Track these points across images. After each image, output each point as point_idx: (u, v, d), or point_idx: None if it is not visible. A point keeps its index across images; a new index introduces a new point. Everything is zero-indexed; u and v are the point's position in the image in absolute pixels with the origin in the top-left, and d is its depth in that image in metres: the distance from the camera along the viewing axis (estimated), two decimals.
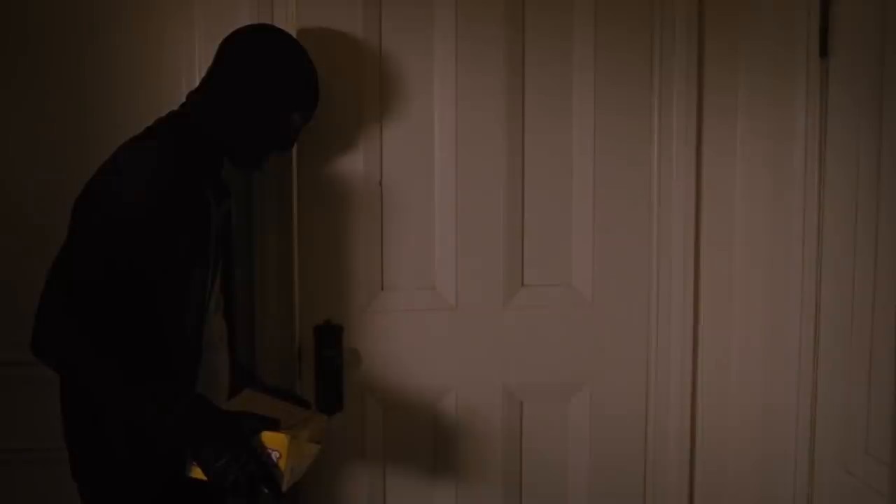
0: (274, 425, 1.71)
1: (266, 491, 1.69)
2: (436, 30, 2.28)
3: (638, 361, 2.45)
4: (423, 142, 2.30)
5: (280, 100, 1.89)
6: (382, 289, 2.32)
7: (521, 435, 2.43)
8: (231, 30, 1.96)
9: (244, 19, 2.16)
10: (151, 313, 1.76)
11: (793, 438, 2.19)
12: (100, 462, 1.82)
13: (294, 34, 2.15)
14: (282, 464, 1.69)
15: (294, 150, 2.21)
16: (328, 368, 2.26)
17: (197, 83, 1.96)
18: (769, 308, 2.31)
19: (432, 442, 2.39)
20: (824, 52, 2.09)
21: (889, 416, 1.81)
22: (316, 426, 1.88)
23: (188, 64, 2.22)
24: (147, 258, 1.71)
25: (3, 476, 2.26)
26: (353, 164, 2.27)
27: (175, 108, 1.93)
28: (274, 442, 1.69)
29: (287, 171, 2.23)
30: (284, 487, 1.71)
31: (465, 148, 2.31)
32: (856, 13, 2.00)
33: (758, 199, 2.35)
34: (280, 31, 1.97)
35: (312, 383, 2.28)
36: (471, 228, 2.33)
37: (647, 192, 2.40)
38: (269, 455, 1.69)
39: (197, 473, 1.69)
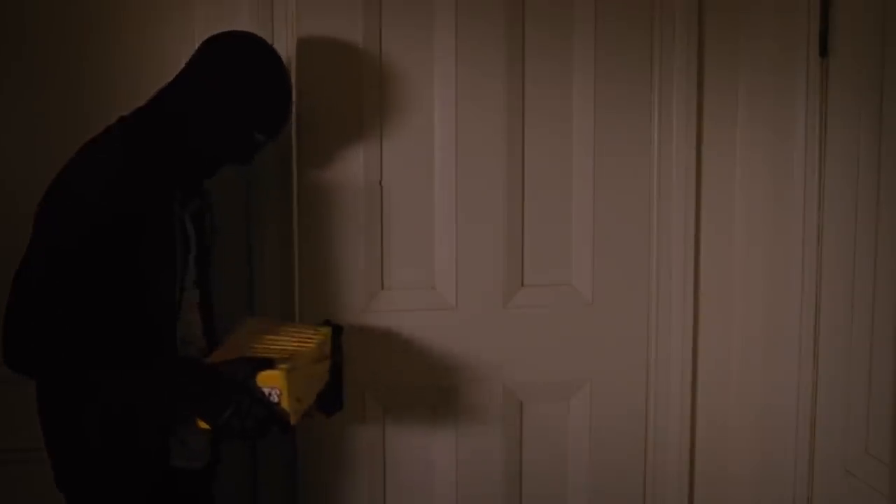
0: (268, 364, 1.70)
1: (276, 429, 1.70)
2: (436, 30, 2.28)
3: (638, 361, 2.45)
4: (423, 142, 2.30)
5: (248, 120, 1.84)
6: (382, 288, 2.32)
7: (521, 435, 2.43)
8: (231, 28, 1.95)
9: (244, 19, 2.16)
10: (120, 313, 1.73)
11: (793, 438, 2.19)
12: (82, 466, 1.80)
13: (294, 35, 2.15)
14: (283, 401, 1.69)
15: (295, 150, 2.21)
16: (328, 368, 2.26)
17: (170, 81, 1.94)
18: (769, 308, 2.31)
19: (432, 442, 2.38)
20: (824, 51, 2.10)
21: (889, 416, 1.81)
22: (318, 343, 1.87)
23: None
24: (106, 259, 1.69)
25: (3, 476, 2.26)
26: (354, 164, 2.27)
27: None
28: (271, 381, 1.68)
29: (287, 172, 2.23)
30: (294, 419, 1.72)
31: (464, 148, 2.31)
32: (856, 13, 2.00)
33: (758, 199, 2.35)
34: (263, 43, 1.91)
35: None
36: (471, 228, 2.33)
37: (647, 191, 2.40)
38: (270, 395, 1.68)
39: (203, 425, 1.70)
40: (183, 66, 1.88)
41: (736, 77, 2.39)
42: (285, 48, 2.18)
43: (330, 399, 2.01)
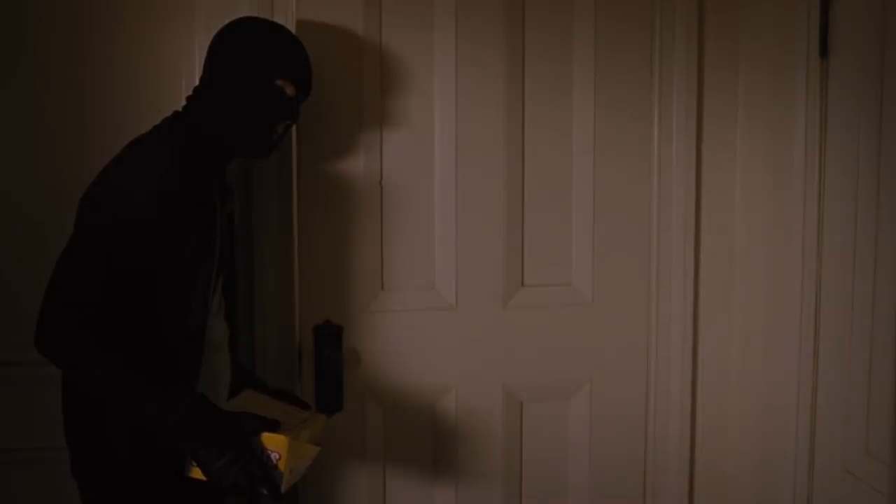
0: (274, 426, 1.71)
1: (265, 492, 1.69)
2: (436, 29, 2.28)
3: (638, 361, 2.45)
4: (423, 141, 2.30)
5: (265, 66, 1.84)
6: (382, 288, 2.32)
7: (521, 435, 2.43)
8: None
9: (244, 15, 2.16)
10: (156, 313, 1.76)
11: (793, 438, 2.19)
12: (100, 461, 1.82)
13: (294, 32, 2.15)
14: (281, 465, 1.69)
15: (294, 150, 2.21)
16: (328, 368, 2.26)
17: (197, 80, 1.95)
18: (769, 307, 2.31)
19: (432, 442, 2.39)
20: (824, 52, 2.10)
21: (889, 416, 1.81)
22: (316, 427, 1.88)
23: (188, 63, 2.21)
24: (154, 259, 1.71)
25: (3, 476, 2.26)
26: (354, 163, 2.27)
27: (180, 106, 1.93)
28: (274, 443, 1.70)
29: (287, 171, 2.23)
30: (284, 488, 1.71)
31: (465, 147, 2.31)
32: (856, 13, 2.01)
33: (758, 199, 2.35)
34: (263, 19, 1.96)
35: (312, 383, 2.27)
36: (471, 228, 2.33)
37: (648, 191, 2.40)
38: (269, 456, 1.69)
39: (196, 473, 1.69)
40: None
41: (736, 77, 2.39)
42: None
43: (330, 400, 2.02)
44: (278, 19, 2.17)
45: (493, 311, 2.37)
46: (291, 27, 2.13)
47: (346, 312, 2.28)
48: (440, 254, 2.33)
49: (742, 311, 2.42)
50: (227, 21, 1.93)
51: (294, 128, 2.15)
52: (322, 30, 2.21)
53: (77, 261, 1.67)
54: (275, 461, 1.69)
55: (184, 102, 1.92)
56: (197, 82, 1.94)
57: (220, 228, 1.86)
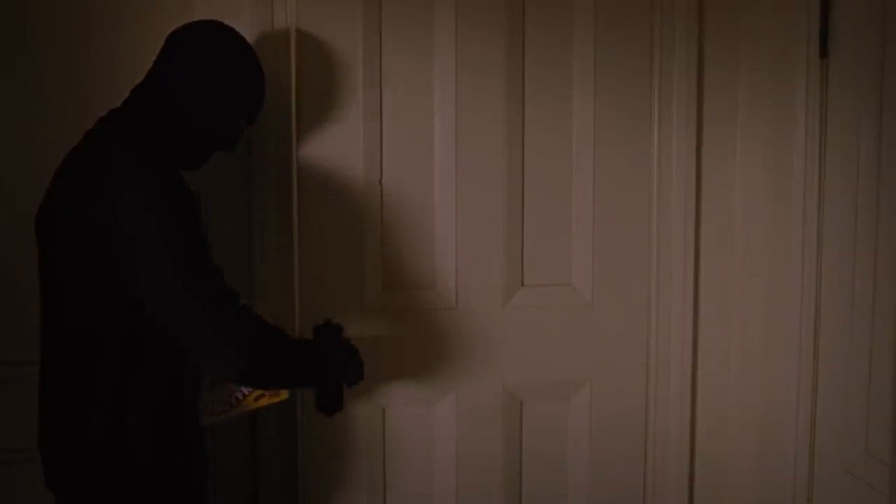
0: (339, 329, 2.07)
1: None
2: (436, 30, 2.28)
3: (638, 361, 2.45)
4: (423, 141, 2.30)
5: (233, 109, 1.88)
6: (382, 288, 2.32)
7: (521, 435, 2.43)
8: None
9: (244, 20, 2.16)
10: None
11: (793, 438, 2.19)
12: (81, 465, 1.79)
13: (293, 35, 2.15)
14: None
15: (294, 149, 2.21)
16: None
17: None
18: (769, 308, 2.31)
19: (432, 442, 2.39)
20: (824, 52, 2.10)
21: (889, 416, 1.81)
22: None
23: None
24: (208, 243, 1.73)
25: (4, 476, 2.26)
26: (353, 163, 2.27)
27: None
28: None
29: (287, 170, 2.23)
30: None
31: (464, 147, 2.31)
32: (856, 14, 2.01)
33: (758, 199, 2.35)
34: (233, 32, 1.91)
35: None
36: (471, 228, 2.33)
37: (648, 191, 2.40)
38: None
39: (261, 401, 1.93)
40: (152, 64, 1.88)
41: (736, 78, 2.39)
42: (286, 48, 2.19)
43: (330, 399, 2.02)
44: (278, 20, 2.18)
45: (493, 311, 2.37)
46: (291, 28, 2.13)
47: (345, 312, 2.28)
48: (440, 253, 2.33)
49: (742, 312, 2.42)
50: (226, 21, 1.92)
51: (294, 126, 2.18)
52: (322, 30, 2.21)
53: (186, 276, 1.65)
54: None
55: (127, 98, 1.86)
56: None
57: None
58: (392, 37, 2.26)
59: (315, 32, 2.21)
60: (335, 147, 2.26)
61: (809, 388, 2.15)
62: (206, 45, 1.86)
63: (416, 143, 2.30)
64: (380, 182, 2.29)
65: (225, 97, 1.85)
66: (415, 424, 2.37)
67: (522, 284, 2.38)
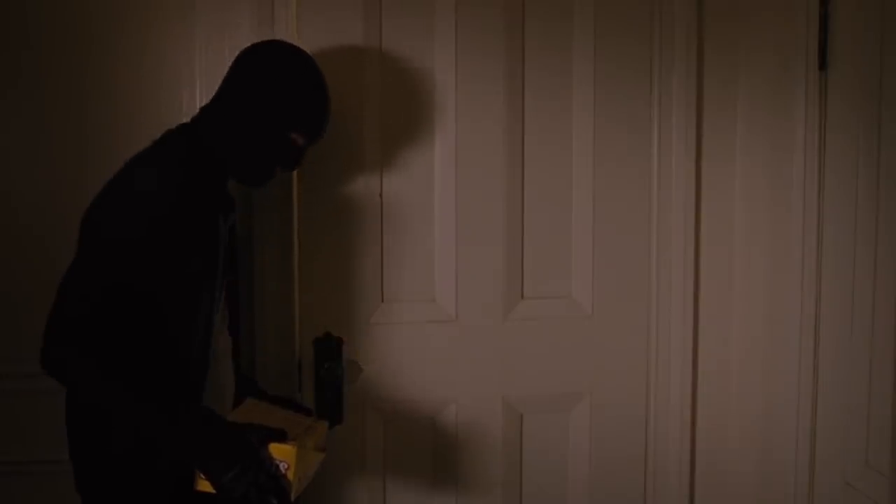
0: (281, 436, 1.71)
1: (275, 503, 1.69)
2: (436, 41, 2.29)
3: (638, 373, 2.44)
4: (423, 154, 2.31)
5: (282, 119, 1.83)
6: (382, 301, 2.32)
7: (521, 447, 2.42)
8: (232, 39, 1.96)
9: (245, 29, 2.16)
10: (160, 329, 1.75)
11: (793, 450, 2.19)
12: (105, 476, 1.81)
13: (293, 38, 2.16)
14: (290, 474, 1.70)
15: None
16: (328, 380, 2.26)
17: (197, 91, 1.95)
18: (769, 320, 2.31)
19: (432, 454, 2.38)
20: (823, 64, 2.10)
21: (889, 428, 1.81)
22: (319, 433, 1.88)
23: (189, 72, 2.21)
24: (156, 277, 1.71)
25: (7, 488, 2.26)
26: (354, 176, 2.27)
27: (180, 117, 1.92)
28: (282, 453, 1.70)
29: (287, 183, 2.23)
30: (293, 497, 1.72)
31: (465, 160, 2.31)
32: (855, 26, 2.01)
33: (757, 211, 2.35)
34: (299, 50, 1.91)
35: (312, 395, 2.27)
36: (471, 240, 2.33)
37: (647, 203, 2.40)
38: (278, 466, 1.69)
39: (204, 486, 1.69)
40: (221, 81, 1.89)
41: (735, 89, 2.39)
42: None
43: (330, 412, 2.02)
44: (278, 29, 2.18)
45: (493, 324, 2.37)
46: (292, 37, 2.13)
47: (346, 325, 2.28)
48: (440, 266, 2.33)
49: (741, 324, 2.41)
50: (226, 34, 1.92)
51: None
52: (322, 40, 2.21)
53: (79, 278, 1.66)
54: (283, 471, 1.69)
55: (196, 113, 1.90)
56: (197, 93, 1.93)
57: (223, 244, 1.85)
58: (392, 48, 2.27)
59: (315, 38, 2.19)
60: (336, 159, 2.26)
61: (809, 400, 2.15)
62: (258, 57, 1.86)
63: (416, 155, 2.30)
64: (380, 195, 2.29)
65: (270, 106, 1.82)
66: (415, 436, 2.37)
67: (522, 297, 2.38)
